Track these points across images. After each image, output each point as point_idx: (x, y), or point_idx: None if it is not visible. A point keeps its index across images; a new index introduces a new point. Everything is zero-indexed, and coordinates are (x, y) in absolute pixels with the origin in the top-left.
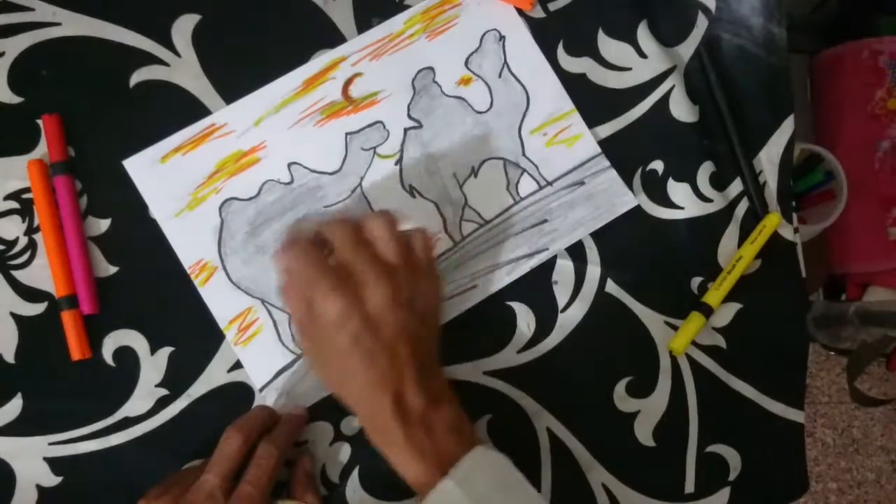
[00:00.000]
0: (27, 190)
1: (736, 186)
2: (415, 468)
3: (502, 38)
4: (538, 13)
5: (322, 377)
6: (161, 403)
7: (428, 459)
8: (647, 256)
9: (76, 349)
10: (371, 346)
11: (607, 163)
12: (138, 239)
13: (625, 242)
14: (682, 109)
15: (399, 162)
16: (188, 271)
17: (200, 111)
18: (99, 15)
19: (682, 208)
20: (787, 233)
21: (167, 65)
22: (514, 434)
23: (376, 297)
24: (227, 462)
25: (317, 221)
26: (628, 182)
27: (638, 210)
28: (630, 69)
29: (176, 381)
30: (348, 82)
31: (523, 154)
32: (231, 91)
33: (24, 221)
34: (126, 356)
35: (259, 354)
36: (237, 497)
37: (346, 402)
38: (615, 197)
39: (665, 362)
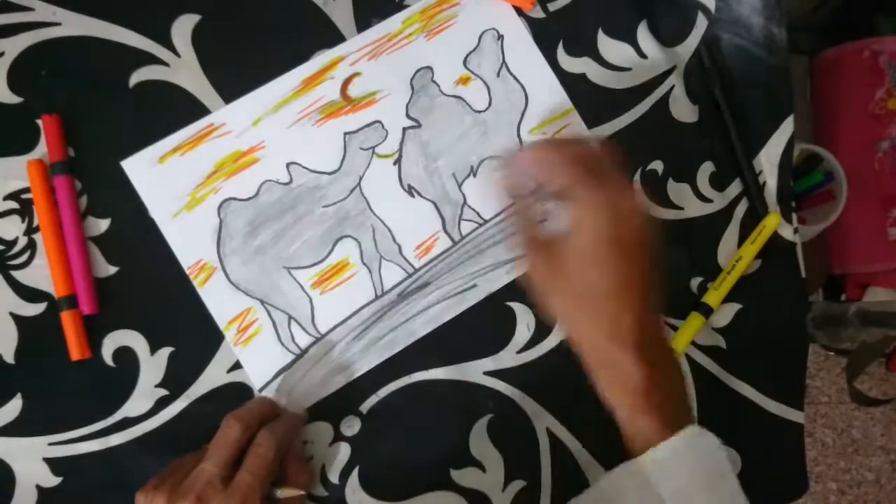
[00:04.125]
0: (27, 190)
1: (736, 186)
2: (647, 422)
3: (500, 37)
4: (538, 13)
5: (553, 299)
6: (161, 404)
7: (663, 413)
8: None
9: (76, 349)
10: (625, 260)
11: None
12: (138, 239)
13: None
14: (682, 109)
15: (398, 161)
16: (187, 272)
17: (200, 111)
18: (99, 15)
19: (681, 208)
20: (787, 233)
21: (167, 65)
22: (514, 434)
23: (637, 209)
24: (227, 450)
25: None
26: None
27: None
28: (630, 69)
29: (175, 381)
30: (347, 82)
31: None
32: (231, 91)
33: (23, 221)
34: (126, 356)
35: (258, 355)
36: (236, 486)
37: (576, 330)
38: None
39: None
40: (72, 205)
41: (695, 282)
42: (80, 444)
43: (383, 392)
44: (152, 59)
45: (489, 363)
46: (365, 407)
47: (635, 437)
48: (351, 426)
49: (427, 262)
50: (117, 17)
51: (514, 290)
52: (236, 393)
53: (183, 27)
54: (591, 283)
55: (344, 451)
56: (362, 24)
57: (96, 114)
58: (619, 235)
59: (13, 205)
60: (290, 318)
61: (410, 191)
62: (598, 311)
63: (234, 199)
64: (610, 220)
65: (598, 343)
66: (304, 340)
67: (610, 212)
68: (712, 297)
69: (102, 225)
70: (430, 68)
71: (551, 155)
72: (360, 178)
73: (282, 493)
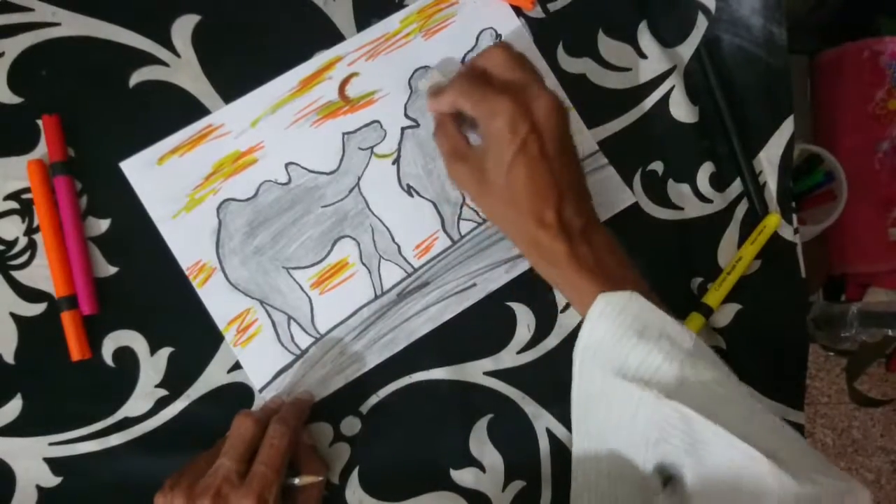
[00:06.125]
0: (27, 190)
1: (736, 187)
2: (581, 284)
3: (498, 36)
4: (538, 13)
5: (480, 202)
6: (161, 404)
7: (594, 275)
8: (647, 257)
9: (76, 349)
10: (537, 154)
11: (605, 160)
12: (138, 239)
13: (625, 243)
14: (682, 110)
15: (397, 161)
16: (186, 272)
17: (200, 111)
18: (99, 15)
19: (682, 208)
20: (787, 233)
21: (167, 65)
22: (514, 434)
23: (542, 106)
24: (242, 445)
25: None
26: (628, 182)
27: (638, 210)
28: (630, 69)
29: (175, 381)
30: (345, 82)
31: None
32: (231, 91)
33: (23, 222)
34: (126, 356)
35: (258, 355)
36: (252, 478)
37: (506, 225)
38: (613, 194)
39: None
40: (72, 205)
41: (695, 282)
42: (80, 444)
43: (383, 392)
44: (152, 59)
45: (489, 363)
46: (365, 407)
47: (580, 308)
48: (351, 426)
49: (426, 262)
50: (117, 17)
51: (515, 291)
52: (236, 393)
53: (183, 27)
54: (507, 185)
55: (344, 451)
56: (362, 24)
57: (96, 114)
58: (520, 136)
59: (13, 205)
60: (290, 318)
61: (409, 190)
62: (520, 207)
63: (233, 199)
64: (508, 124)
65: (526, 231)
66: (303, 341)
67: (506, 116)
68: (712, 298)
69: (102, 225)
70: (428, 68)
71: (455, 94)
72: (359, 178)
73: (301, 480)
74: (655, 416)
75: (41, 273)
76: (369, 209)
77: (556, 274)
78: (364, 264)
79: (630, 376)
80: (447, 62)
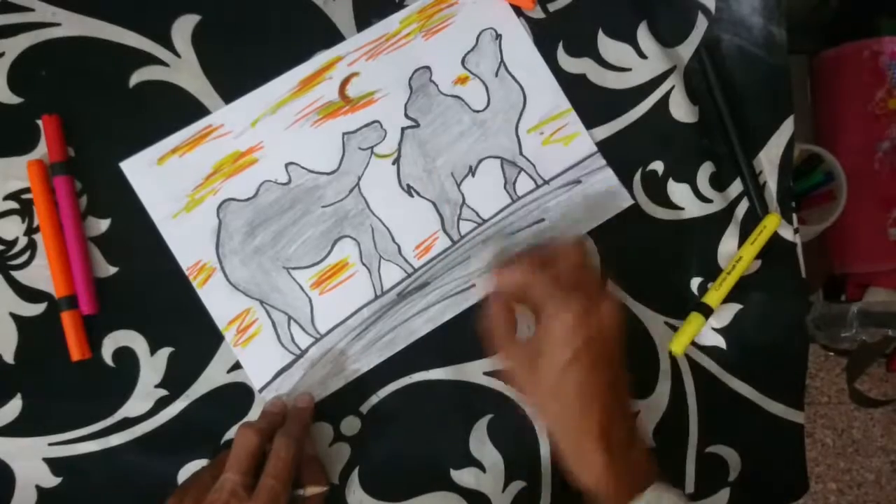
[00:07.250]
0: (27, 190)
1: (736, 187)
2: (609, 496)
3: (499, 36)
4: (538, 13)
5: (528, 392)
6: (160, 404)
7: (623, 489)
8: (647, 256)
9: (76, 349)
10: (590, 364)
11: (603, 161)
12: (138, 239)
13: (624, 243)
14: (682, 110)
15: (397, 161)
16: (186, 272)
17: (200, 111)
18: (99, 15)
19: (681, 208)
20: (787, 233)
21: (167, 65)
22: (514, 434)
23: (606, 313)
24: (246, 458)
25: (530, 248)
26: (628, 183)
27: (638, 210)
28: (630, 69)
29: (175, 381)
30: (345, 82)
31: (520, 153)
32: (231, 91)
33: (23, 222)
34: (125, 356)
35: (258, 355)
36: (260, 491)
37: (550, 421)
38: (612, 195)
39: (665, 363)
40: (72, 205)
41: (695, 282)
42: (80, 444)
43: (383, 392)
44: (152, 59)
45: (489, 363)
46: (365, 407)
47: None
48: (351, 426)
49: (426, 262)
50: (117, 17)
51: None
52: (236, 393)
53: (183, 27)
54: (558, 386)
55: (344, 451)
56: (362, 24)
57: (96, 114)
58: (582, 346)
59: (13, 205)
60: (290, 318)
61: (409, 190)
62: (567, 411)
63: (233, 199)
64: (568, 329)
65: (569, 435)
66: (303, 341)
67: (568, 321)
68: (712, 297)
69: (102, 225)
70: (428, 68)
71: (525, 277)
72: (359, 178)
73: (307, 491)
74: None
75: (41, 273)
76: (369, 209)
77: (590, 481)
78: (364, 264)
79: None
80: (503, 239)
